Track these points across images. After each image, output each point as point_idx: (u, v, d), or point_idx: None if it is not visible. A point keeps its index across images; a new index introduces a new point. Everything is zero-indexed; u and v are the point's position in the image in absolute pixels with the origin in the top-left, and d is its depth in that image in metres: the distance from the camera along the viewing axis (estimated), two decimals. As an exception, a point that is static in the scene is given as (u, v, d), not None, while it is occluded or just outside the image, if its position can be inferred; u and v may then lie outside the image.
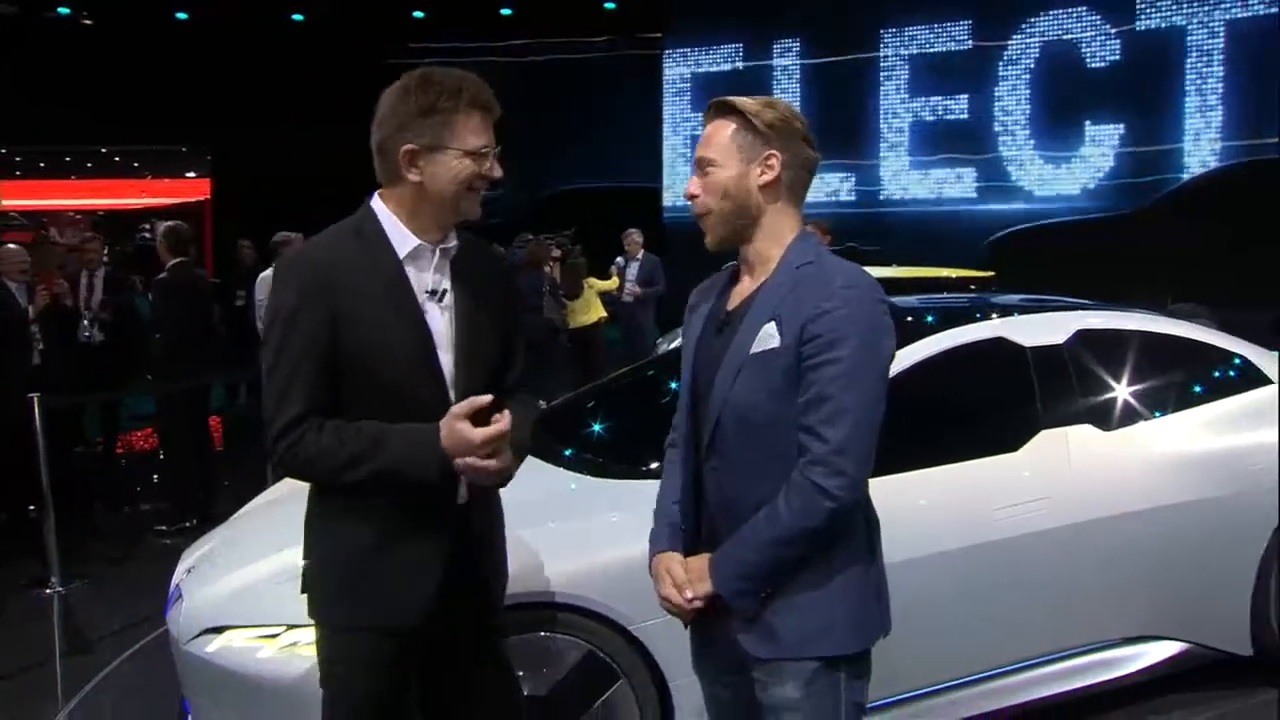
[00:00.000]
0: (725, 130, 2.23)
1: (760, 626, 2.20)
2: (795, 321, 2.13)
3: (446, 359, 2.33)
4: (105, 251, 9.51)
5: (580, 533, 3.43)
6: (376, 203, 2.35)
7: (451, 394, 2.31)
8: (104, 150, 31.38)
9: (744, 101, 2.23)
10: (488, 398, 2.23)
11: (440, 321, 2.34)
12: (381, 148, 2.30)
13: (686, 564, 2.29)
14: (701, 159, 2.26)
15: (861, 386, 2.09)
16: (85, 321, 8.24)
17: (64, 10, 21.81)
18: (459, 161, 2.28)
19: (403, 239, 2.31)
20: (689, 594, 2.24)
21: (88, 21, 22.47)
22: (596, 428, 4.49)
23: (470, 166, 2.29)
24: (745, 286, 2.30)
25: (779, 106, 2.24)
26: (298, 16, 21.30)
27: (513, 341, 2.55)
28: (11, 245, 7.89)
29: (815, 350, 2.10)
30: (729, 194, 2.23)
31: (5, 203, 28.02)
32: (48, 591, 5.85)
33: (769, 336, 2.17)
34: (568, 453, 4.05)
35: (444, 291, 2.35)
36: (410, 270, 2.31)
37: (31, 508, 6.85)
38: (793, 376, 2.13)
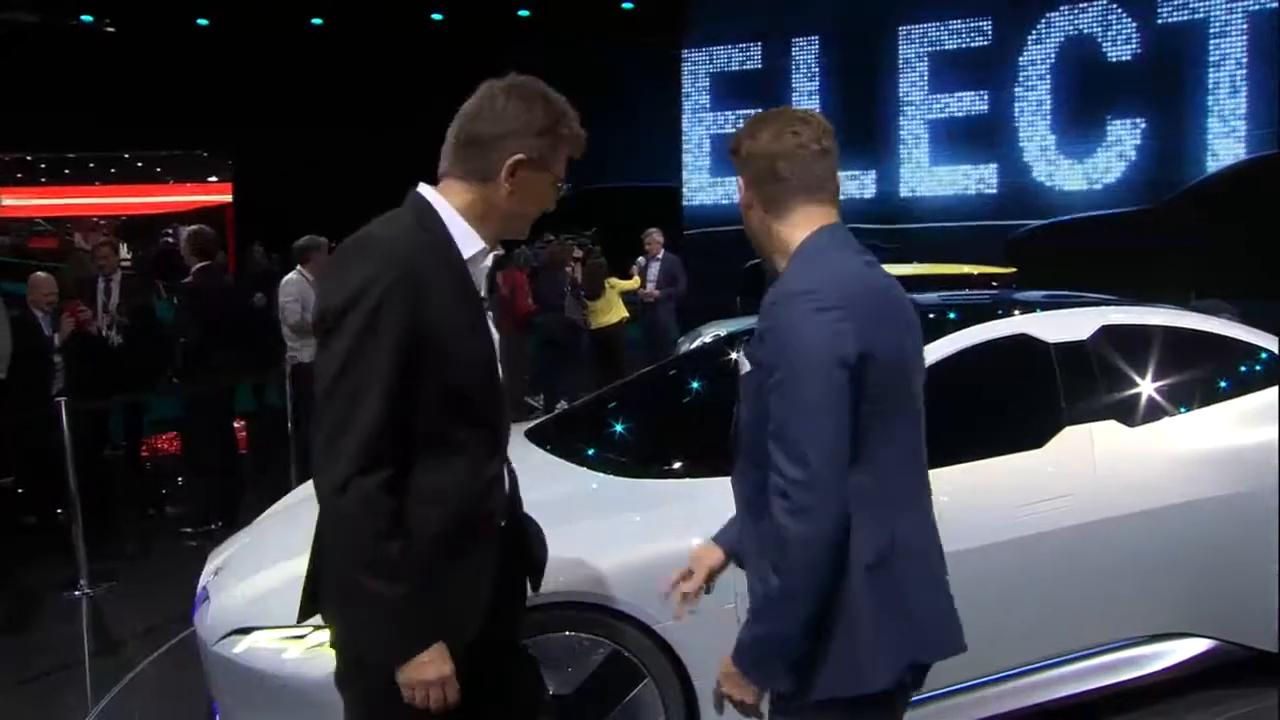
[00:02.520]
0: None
1: None
2: (755, 344, 2.12)
3: (500, 372, 2.23)
4: (123, 256, 9.58)
5: (604, 532, 3.43)
6: (434, 197, 2.19)
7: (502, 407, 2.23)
8: (127, 156, 31.64)
9: (735, 134, 2.27)
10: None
11: (493, 330, 2.23)
12: (478, 141, 2.15)
13: (724, 667, 2.18)
14: None
15: (802, 409, 1.96)
16: (103, 325, 8.30)
17: (87, 18, 21.97)
18: (547, 187, 2.23)
19: (469, 240, 2.17)
20: (731, 693, 2.18)
21: (110, 29, 22.62)
22: (618, 428, 4.50)
23: (550, 196, 2.25)
24: None
25: (747, 127, 2.23)
26: (317, 21, 21.40)
27: None
28: (40, 274, 7.99)
29: (764, 376, 2.04)
30: (747, 227, 2.28)
31: (11, 203, 28.21)
32: (76, 593, 5.91)
33: (743, 361, 2.18)
34: (590, 452, 4.06)
35: (488, 300, 2.27)
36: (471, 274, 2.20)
37: (60, 511, 6.92)
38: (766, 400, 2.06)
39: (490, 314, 2.24)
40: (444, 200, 2.18)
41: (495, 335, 2.22)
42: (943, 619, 2.20)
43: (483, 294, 2.22)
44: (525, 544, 2.41)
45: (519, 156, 2.14)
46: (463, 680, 2.16)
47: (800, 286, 2.04)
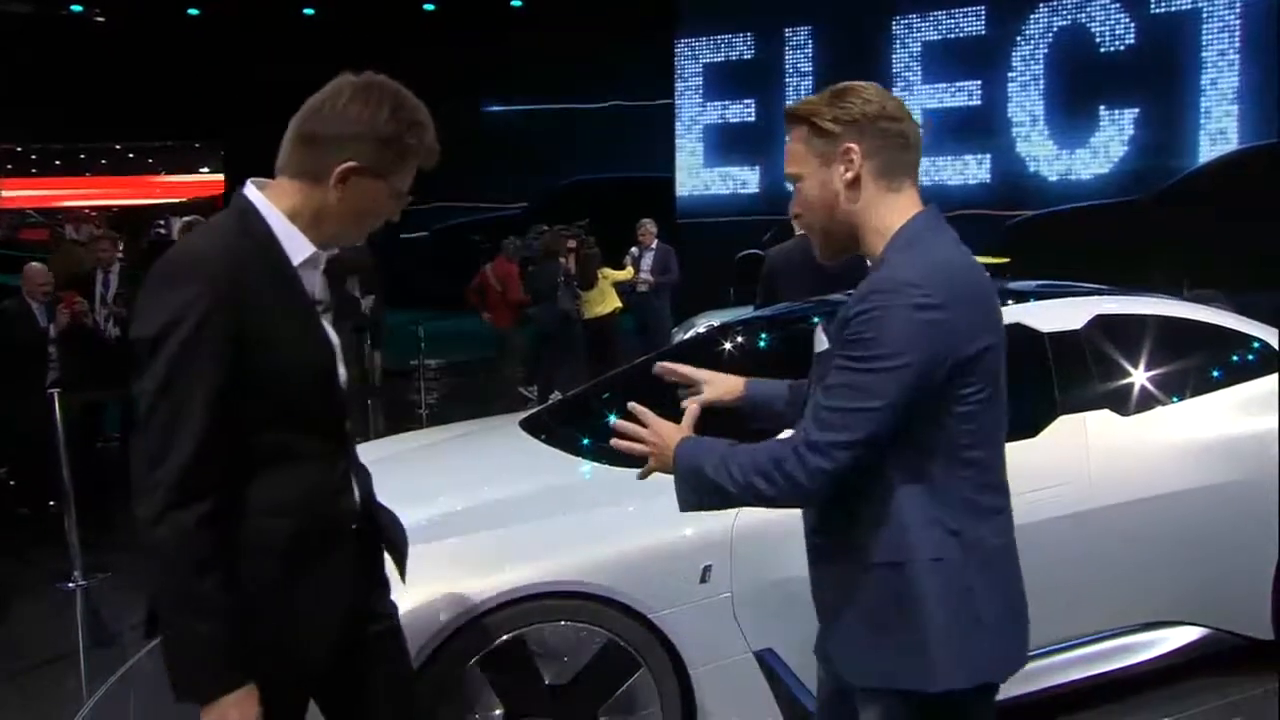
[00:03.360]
0: (799, 139, 2.11)
1: (850, 647, 2.12)
2: (840, 324, 2.03)
3: (341, 373, 2.14)
4: (120, 248, 9.55)
5: (599, 522, 3.44)
6: (258, 198, 2.05)
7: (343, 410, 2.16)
8: (118, 146, 31.55)
9: (808, 104, 2.11)
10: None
11: (330, 334, 2.13)
12: (314, 139, 2.03)
13: (662, 431, 2.18)
14: (789, 176, 2.16)
15: (867, 394, 1.92)
16: (101, 318, 8.28)
17: (77, 8, 21.86)
18: (385, 198, 2.09)
19: (296, 244, 2.04)
20: (648, 455, 2.20)
21: (100, 19, 22.53)
22: (612, 418, 4.49)
23: (392, 206, 2.12)
24: None
25: (847, 94, 2.08)
26: (309, 11, 21.33)
27: None
28: (35, 264, 7.97)
29: (843, 357, 1.98)
30: (817, 204, 2.10)
31: (6, 194, 28.12)
32: (70, 585, 5.90)
33: (821, 339, 2.13)
34: (585, 442, 4.07)
35: (326, 303, 2.15)
36: (303, 279, 2.08)
37: (52, 503, 6.91)
38: None
39: (328, 316, 2.14)
40: (270, 203, 2.05)
41: (334, 338, 2.13)
42: (1013, 637, 2.12)
43: (317, 297, 2.10)
44: (384, 540, 2.35)
45: (352, 164, 2.01)
46: (323, 681, 2.16)
47: (905, 277, 1.95)
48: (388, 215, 2.14)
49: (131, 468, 1.98)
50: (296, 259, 2.05)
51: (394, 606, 2.40)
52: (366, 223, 2.13)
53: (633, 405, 2.27)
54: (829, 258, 2.18)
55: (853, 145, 2.05)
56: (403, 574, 2.43)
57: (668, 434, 2.17)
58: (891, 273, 1.98)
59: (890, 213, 2.06)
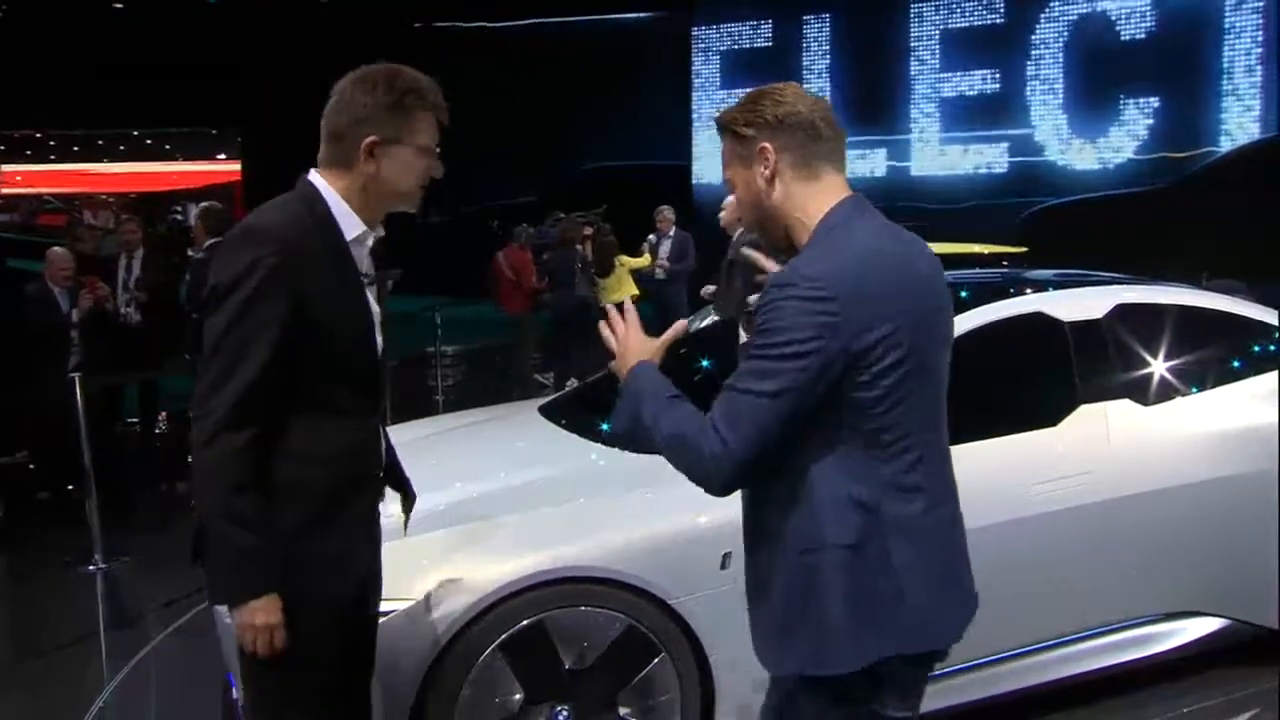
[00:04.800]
0: (725, 146, 2.24)
1: (761, 632, 2.20)
2: (753, 316, 2.12)
3: (379, 339, 2.46)
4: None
5: (619, 507, 3.45)
6: (320, 182, 2.38)
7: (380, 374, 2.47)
8: (136, 133, 31.64)
9: (726, 113, 2.23)
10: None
11: (372, 303, 2.44)
12: (338, 134, 2.35)
13: (629, 343, 2.25)
14: (725, 181, 2.27)
15: (761, 388, 1.99)
16: (122, 303, 8.32)
17: (95, -6, 21.90)
18: (415, 158, 2.38)
19: (350, 222, 2.37)
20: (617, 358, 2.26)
21: (119, 5, 22.58)
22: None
23: (423, 163, 2.40)
24: None
25: (761, 98, 2.18)
26: (326, -2, 21.34)
27: None
28: (58, 249, 8.00)
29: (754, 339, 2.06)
30: (747, 203, 2.22)
31: (20, 182, 28.23)
32: (91, 568, 5.94)
33: (743, 332, 2.19)
34: (604, 427, 4.07)
35: (372, 276, 2.47)
36: (354, 253, 2.39)
37: (72, 487, 6.96)
38: None
39: (374, 289, 2.45)
40: (328, 186, 2.37)
41: (376, 309, 2.44)
42: (934, 610, 2.12)
43: (365, 272, 2.41)
44: (398, 482, 2.69)
45: (371, 138, 2.33)
46: (339, 647, 2.40)
47: (804, 270, 2.02)
48: (427, 175, 2.42)
49: (194, 394, 2.26)
50: (349, 235, 2.37)
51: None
52: (408, 188, 2.41)
53: (627, 304, 2.37)
54: (777, 252, 2.27)
55: (766, 145, 2.15)
56: (407, 521, 2.75)
57: (634, 347, 2.25)
58: (795, 265, 2.06)
59: (809, 202, 2.15)
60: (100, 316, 7.83)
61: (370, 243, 2.43)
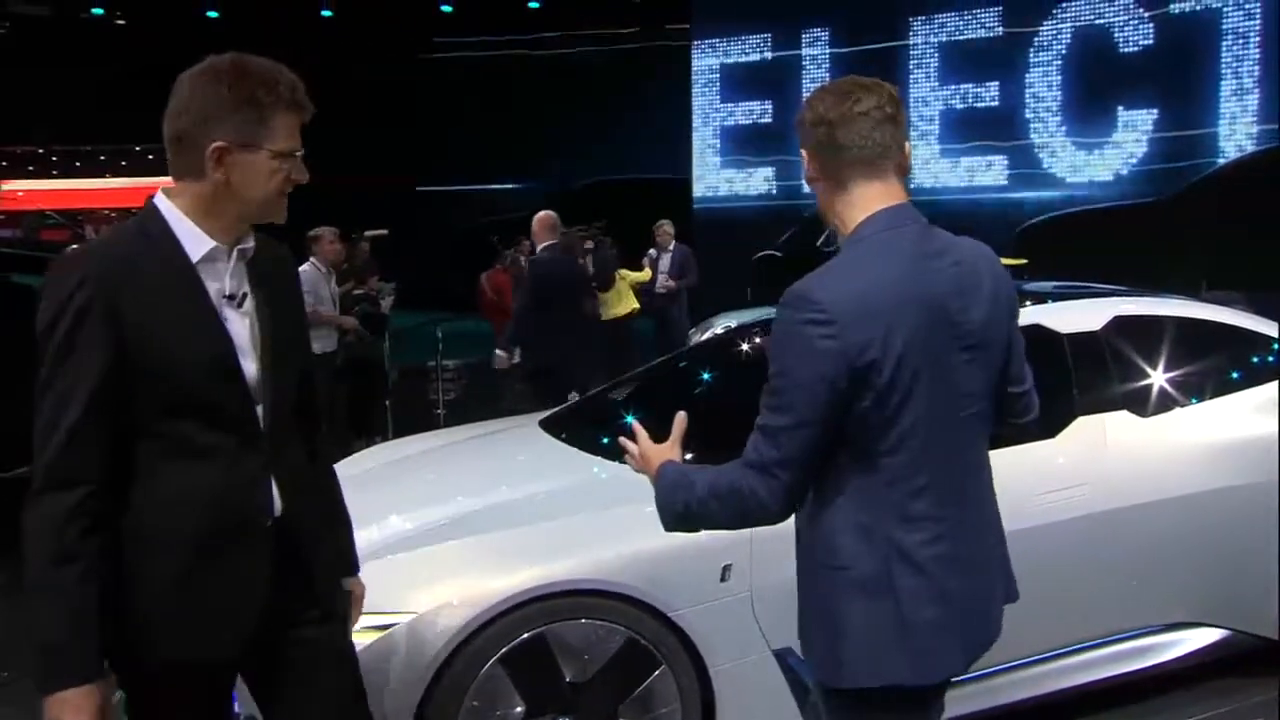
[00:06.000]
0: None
1: (803, 640, 2.22)
2: None
3: (250, 366, 2.12)
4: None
5: (619, 520, 3.45)
6: (162, 201, 2.10)
7: (258, 405, 2.14)
8: (138, 148, 31.71)
9: None
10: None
11: (241, 327, 2.13)
12: (181, 138, 2.05)
13: (647, 454, 2.30)
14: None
15: (783, 412, 2.01)
16: None
17: (97, 10, 21.99)
18: (271, 163, 2.07)
19: (196, 240, 2.08)
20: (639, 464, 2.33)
21: (120, 21, 22.66)
22: (630, 419, 4.52)
23: (282, 169, 2.09)
24: None
25: (806, 104, 2.17)
26: (327, 13, 21.41)
27: (309, 349, 2.45)
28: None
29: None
30: (818, 201, 2.22)
31: (22, 194, 28.26)
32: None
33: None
34: (605, 441, 4.09)
35: (244, 295, 2.14)
36: (206, 274, 2.09)
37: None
38: None
39: (245, 307, 2.14)
40: (171, 203, 2.09)
41: (243, 332, 2.13)
42: (938, 643, 2.10)
43: (229, 293, 2.11)
44: (313, 538, 2.29)
45: (218, 143, 2.03)
46: (253, 679, 2.27)
47: (809, 292, 2.00)
48: (288, 180, 2.13)
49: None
50: (195, 255, 2.08)
51: (333, 617, 2.34)
52: (269, 194, 2.11)
53: (634, 423, 2.40)
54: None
55: (804, 151, 2.17)
56: (351, 569, 2.51)
57: (653, 456, 2.28)
58: (804, 283, 2.04)
59: (845, 209, 2.13)
60: None
61: (234, 259, 2.12)
